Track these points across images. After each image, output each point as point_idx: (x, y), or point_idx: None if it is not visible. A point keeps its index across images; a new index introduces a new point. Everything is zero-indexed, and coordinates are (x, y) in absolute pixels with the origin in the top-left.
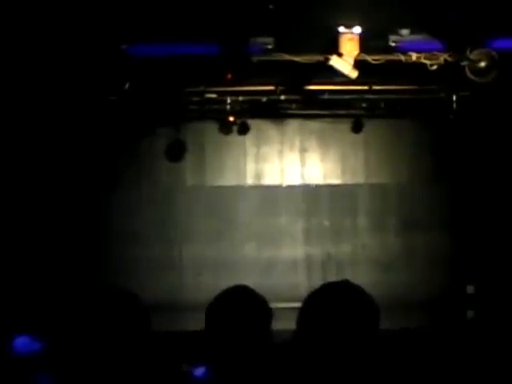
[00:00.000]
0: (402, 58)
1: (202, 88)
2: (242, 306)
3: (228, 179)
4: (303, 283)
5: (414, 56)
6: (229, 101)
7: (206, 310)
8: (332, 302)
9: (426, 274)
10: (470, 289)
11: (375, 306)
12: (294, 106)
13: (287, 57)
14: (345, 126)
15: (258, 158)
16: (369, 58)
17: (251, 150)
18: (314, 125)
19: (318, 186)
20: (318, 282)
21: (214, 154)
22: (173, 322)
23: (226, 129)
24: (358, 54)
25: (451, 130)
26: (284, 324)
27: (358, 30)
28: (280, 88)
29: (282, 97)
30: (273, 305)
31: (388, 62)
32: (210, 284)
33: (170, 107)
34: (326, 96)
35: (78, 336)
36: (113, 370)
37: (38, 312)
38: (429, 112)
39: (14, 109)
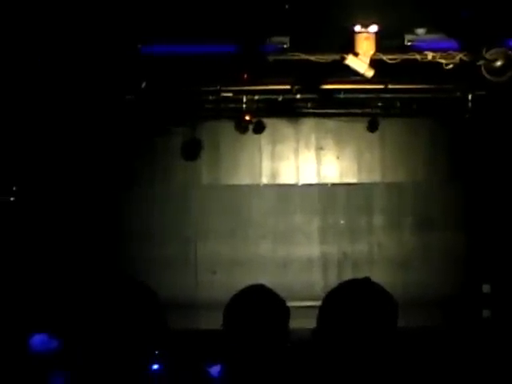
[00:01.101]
0: (418, 57)
1: (218, 87)
2: (261, 305)
3: (243, 178)
4: (319, 282)
5: (429, 55)
6: (245, 100)
7: (225, 309)
8: (353, 299)
9: (442, 273)
10: (486, 288)
11: (395, 303)
12: (309, 104)
13: (303, 56)
14: (360, 124)
15: (273, 157)
16: (384, 57)
17: (267, 149)
18: (329, 123)
19: (333, 185)
20: (333, 280)
21: (230, 152)
22: (188, 320)
23: (241, 127)
24: (374, 53)
25: (467, 130)
26: (299, 323)
27: (374, 28)
28: (296, 87)
29: (298, 96)
30: (288, 303)
31: (404, 61)
32: (225, 282)
33: (186, 106)
34: (341, 95)
35: (93, 334)
36: (127, 368)
37: (54, 310)
38: (444, 111)
39: (32, 107)
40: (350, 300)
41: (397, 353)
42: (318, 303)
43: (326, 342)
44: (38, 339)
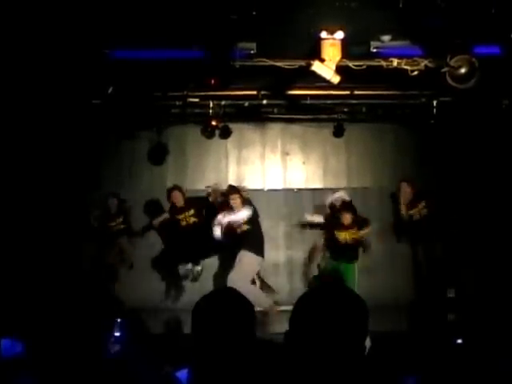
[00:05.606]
0: (384, 63)
1: (184, 92)
2: (228, 308)
3: (209, 182)
4: (285, 287)
5: (395, 62)
6: (211, 105)
7: (192, 311)
8: (325, 302)
9: (408, 278)
10: (451, 292)
11: (366, 308)
12: (275, 110)
13: (270, 62)
14: (326, 130)
15: (239, 162)
16: (350, 64)
17: (233, 154)
18: (295, 129)
19: (299, 190)
20: (299, 285)
21: (196, 157)
22: (155, 324)
23: (208, 132)
24: (340, 60)
25: (432, 135)
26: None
27: (340, 35)
28: (262, 92)
29: (264, 101)
30: (255, 308)
31: (369, 67)
32: (192, 287)
33: (152, 111)
34: (307, 101)
35: (58, 337)
36: (93, 371)
37: (18, 314)
38: (410, 117)
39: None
40: (322, 303)
41: (367, 356)
42: (284, 308)
43: (298, 345)
44: (2, 344)
